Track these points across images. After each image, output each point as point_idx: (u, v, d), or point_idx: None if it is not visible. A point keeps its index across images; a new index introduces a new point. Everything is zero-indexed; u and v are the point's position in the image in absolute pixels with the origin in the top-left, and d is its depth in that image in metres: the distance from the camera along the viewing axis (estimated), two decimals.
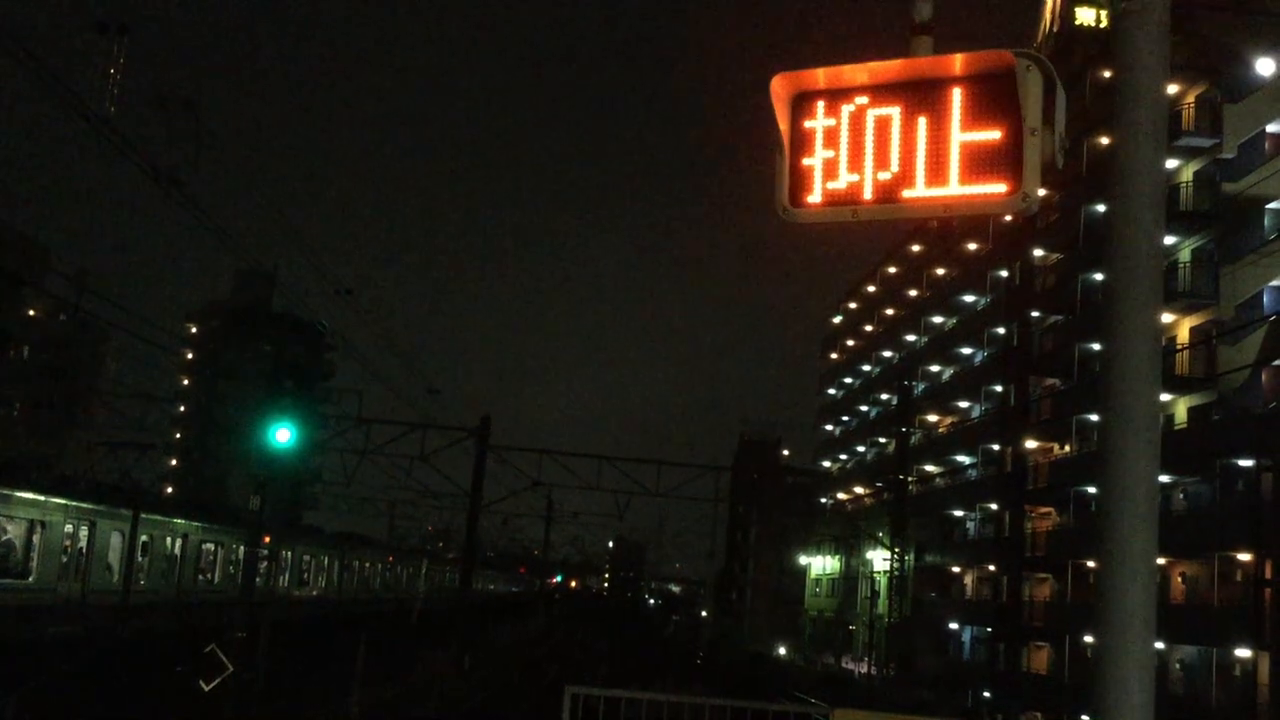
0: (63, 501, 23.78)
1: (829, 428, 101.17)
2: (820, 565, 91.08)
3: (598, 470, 45.54)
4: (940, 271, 74.97)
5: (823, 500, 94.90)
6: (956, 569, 65.99)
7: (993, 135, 2.81)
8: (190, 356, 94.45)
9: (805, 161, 3.03)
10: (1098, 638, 2.83)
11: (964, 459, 65.96)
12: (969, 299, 69.61)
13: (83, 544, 24.55)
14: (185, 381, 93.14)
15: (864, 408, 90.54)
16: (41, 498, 22.93)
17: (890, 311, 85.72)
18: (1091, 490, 48.27)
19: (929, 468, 70.10)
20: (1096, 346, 49.10)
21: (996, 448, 60.41)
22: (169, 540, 29.48)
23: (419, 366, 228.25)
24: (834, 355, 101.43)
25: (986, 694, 54.39)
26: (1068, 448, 53.00)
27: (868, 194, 2.97)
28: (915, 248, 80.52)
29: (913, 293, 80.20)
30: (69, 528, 23.98)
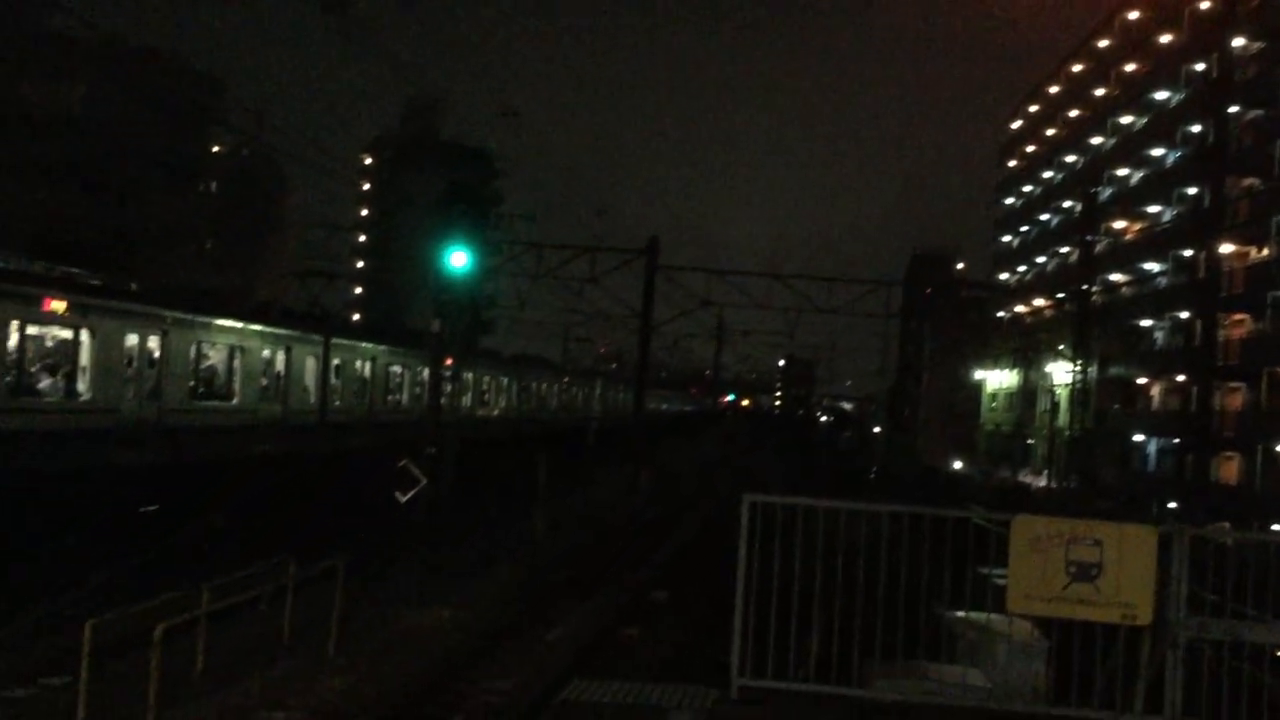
0: (259, 328, 24.97)
1: (1006, 239, 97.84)
2: (997, 380, 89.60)
3: (768, 288, 45.44)
4: (1130, 68, 70.37)
5: (1000, 314, 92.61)
6: (1142, 380, 64.05)
7: None
8: (366, 187, 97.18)
9: None
10: None
11: (1153, 266, 63.23)
12: (1161, 96, 65.32)
13: (280, 368, 25.86)
14: (364, 212, 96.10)
15: (1044, 216, 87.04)
16: (240, 324, 24.10)
17: (1074, 113, 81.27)
18: None
19: (1114, 277, 67.36)
20: None
21: (1189, 253, 57.73)
22: (359, 364, 30.81)
23: (586, 187, 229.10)
24: (1012, 162, 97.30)
25: (1172, 505, 53.34)
26: (1266, 251, 50.28)
27: None
28: (1103, 42, 75.64)
29: (1099, 91, 75.66)
30: (266, 353, 25.25)
